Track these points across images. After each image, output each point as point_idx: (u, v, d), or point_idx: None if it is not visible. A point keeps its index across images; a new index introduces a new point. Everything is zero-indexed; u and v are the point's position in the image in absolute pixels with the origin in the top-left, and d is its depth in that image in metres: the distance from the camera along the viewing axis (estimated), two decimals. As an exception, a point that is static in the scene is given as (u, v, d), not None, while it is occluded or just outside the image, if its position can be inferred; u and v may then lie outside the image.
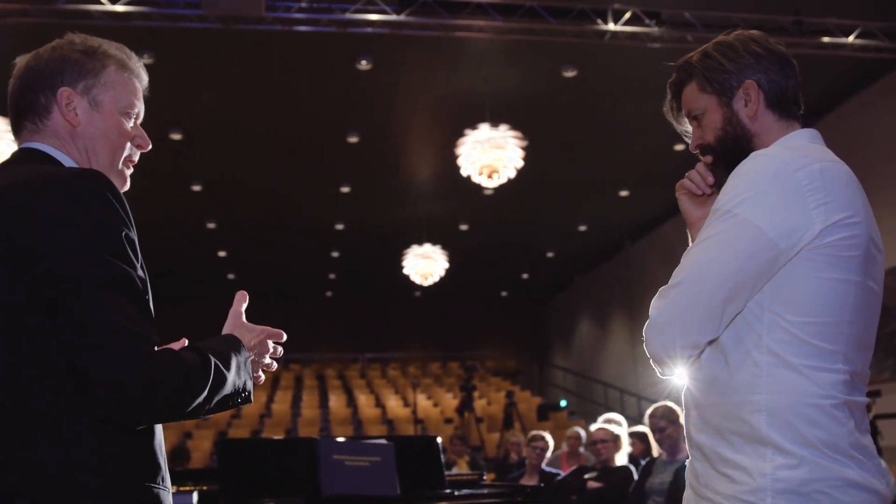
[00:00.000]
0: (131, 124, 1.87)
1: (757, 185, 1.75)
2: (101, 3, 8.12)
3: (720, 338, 1.80)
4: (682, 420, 5.64)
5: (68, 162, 1.76)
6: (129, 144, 1.87)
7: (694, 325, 1.76)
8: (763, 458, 1.70)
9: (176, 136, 11.70)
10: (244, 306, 1.91)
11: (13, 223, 1.54)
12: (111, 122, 1.82)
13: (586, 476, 6.56)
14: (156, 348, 1.53)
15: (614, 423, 7.15)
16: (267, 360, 1.88)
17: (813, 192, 1.73)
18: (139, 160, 1.95)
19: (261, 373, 1.87)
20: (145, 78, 1.93)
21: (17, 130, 1.83)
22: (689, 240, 2.06)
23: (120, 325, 1.50)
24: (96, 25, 7.95)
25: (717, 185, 2.01)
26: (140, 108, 1.90)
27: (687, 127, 2.10)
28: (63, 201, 1.55)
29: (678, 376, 1.93)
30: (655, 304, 1.83)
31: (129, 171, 1.90)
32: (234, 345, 1.74)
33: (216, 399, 1.62)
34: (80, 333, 1.49)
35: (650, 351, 1.82)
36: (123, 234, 1.59)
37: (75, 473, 1.51)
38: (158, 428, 1.68)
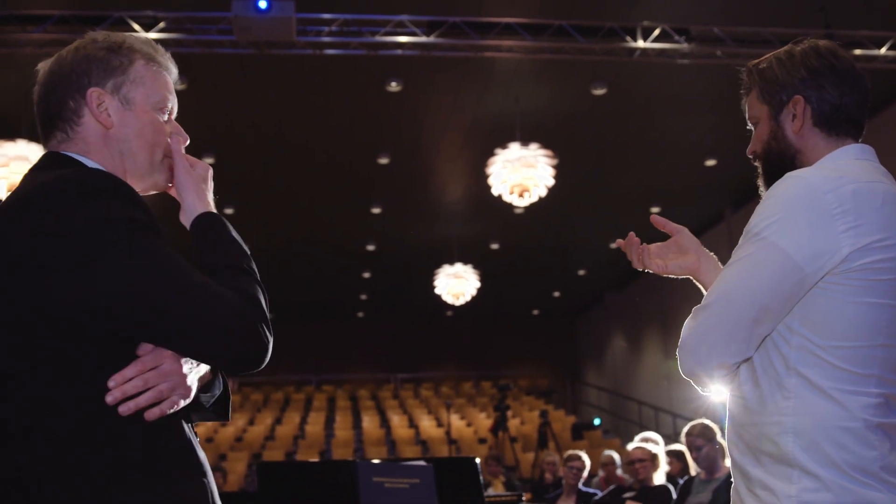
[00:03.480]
0: (166, 119, 1.79)
1: (786, 208, 1.75)
2: (136, 31, 8.25)
3: (752, 359, 1.80)
4: (720, 437, 5.61)
5: (92, 165, 1.67)
6: (167, 140, 1.78)
7: (722, 345, 1.78)
8: (790, 480, 1.70)
9: (209, 160, 11.77)
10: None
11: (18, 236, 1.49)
12: (145, 119, 1.73)
13: (624, 496, 6.51)
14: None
15: (651, 442, 7.08)
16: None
17: (843, 214, 1.71)
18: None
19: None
20: (175, 70, 1.82)
21: (47, 140, 1.73)
22: (702, 286, 2.09)
23: (197, 290, 1.50)
24: (131, 53, 8.08)
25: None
26: (173, 102, 1.81)
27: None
28: (74, 206, 1.49)
29: (715, 393, 1.94)
30: (687, 325, 1.85)
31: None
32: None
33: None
34: (171, 323, 1.49)
35: (683, 371, 1.86)
36: (146, 217, 1.56)
37: (128, 473, 1.47)
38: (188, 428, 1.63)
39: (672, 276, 2.18)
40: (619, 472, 8.04)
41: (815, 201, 1.73)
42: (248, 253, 1.70)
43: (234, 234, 1.75)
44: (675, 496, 6.09)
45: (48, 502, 1.43)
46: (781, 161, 1.96)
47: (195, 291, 1.50)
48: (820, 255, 1.71)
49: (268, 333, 1.57)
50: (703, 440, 5.69)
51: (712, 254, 2.14)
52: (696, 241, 2.17)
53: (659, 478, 6.59)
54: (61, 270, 1.46)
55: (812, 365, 1.72)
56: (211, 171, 1.87)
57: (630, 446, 6.82)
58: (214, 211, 1.80)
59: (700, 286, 2.11)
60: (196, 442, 1.63)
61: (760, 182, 2.05)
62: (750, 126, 2.10)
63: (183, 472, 1.55)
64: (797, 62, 1.96)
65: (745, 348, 1.78)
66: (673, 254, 2.18)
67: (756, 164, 2.06)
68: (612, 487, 7.02)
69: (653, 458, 6.55)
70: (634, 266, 2.22)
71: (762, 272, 1.75)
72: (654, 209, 14.77)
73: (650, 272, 2.23)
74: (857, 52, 9.13)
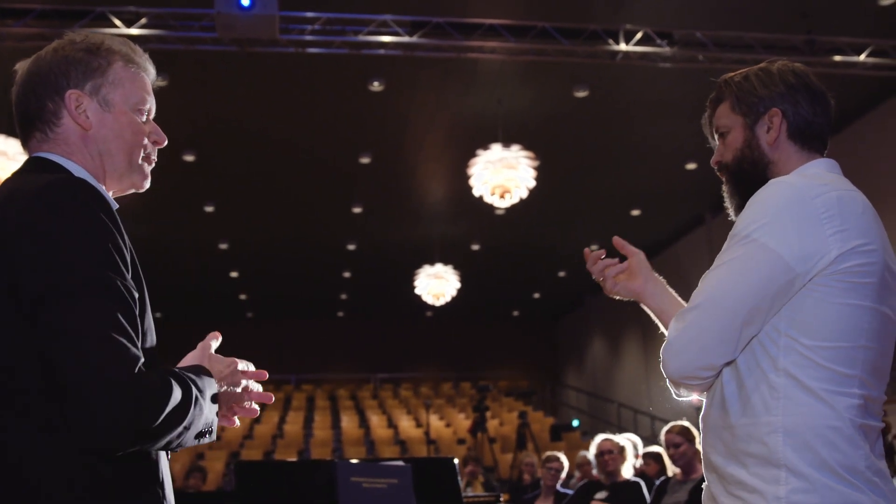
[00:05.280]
0: (144, 120, 1.79)
1: (775, 211, 1.78)
2: (117, 27, 8.20)
3: (736, 361, 1.82)
4: (698, 440, 5.64)
5: (77, 170, 1.67)
6: (145, 141, 1.78)
7: (711, 347, 1.79)
8: (777, 482, 1.72)
9: (189, 158, 11.77)
10: (215, 344, 1.81)
11: None
12: (124, 121, 1.74)
13: (596, 497, 6.44)
14: (142, 364, 1.45)
15: (629, 443, 7.09)
16: (249, 404, 1.76)
17: (829, 219, 1.76)
18: (152, 182, 1.89)
19: (235, 417, 1.77)
20: (153, 71, 1.84)
21: (26, 140, 1.73)
22: (654, 314, 2.10)
23: (102, 333, 1.40)
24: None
25: (736, 205, 2.04)
26: (151, 102, 1.81)
27: (716, 145, 2.13)
28: (37, 212, 1.48)
29: (694, 397, 1.95)
30: (673, 326, 1.85)
31: (149, 168, 1.82)
32: (208, 376, 1.63)
33: (190, 433, 1.52)
34: (54, 344, 1.40)
35: (667, 372, 1.85)
36: (108, 242, 1.49)
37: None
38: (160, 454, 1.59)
39: (618, 298, 2.18)
40: (594, 472, 8.04)
41: (804, 205, 1.77)
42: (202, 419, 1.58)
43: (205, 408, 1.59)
44: (646, 492, 6.09)
45: None
46: (754, 170, 2.00)
47: (103, 322, 1.42)
48: (810, 256, 1.75)
49: (145, 428, 1.43)
50: (682, 438, 5.74)
51: (661, 278, 2.15)
52: (648, 265, 2.17)
53: (627, 470, 6.51)
54: (23, 269, 1.45)
55: (800, 365, 1.75)
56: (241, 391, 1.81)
57: (598, 438, 6.72)
58: (213, 417, 1.65)
59: (647, 310, 2.12)
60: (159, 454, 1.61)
61: (727, 192, 2.07)
62: (712, 140, 2.12)
63: (136, 482, 1.53)
64: (775, 77, 2.01)
65: (732, 350, 1.79)
66: (624, 274, 2.16)
67: (721, 174, 2.08)
68: (582, 482, 6.94)
69: (621, 451, 6.47)
70: (595, 276, 2.19)
71: (753, 273, 1.77)
72: (635, 212, 14.85)
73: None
74: (837, 58, 9.20)
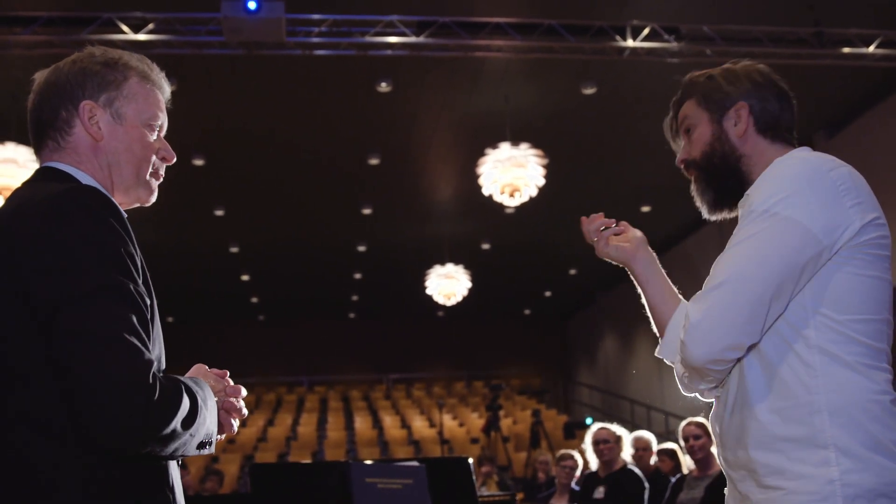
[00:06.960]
0: (155, 137, 1.82)
1: (795, 184, 1.75)
2: (125, 33, 8.23)
3: (759, 345, 1.77)
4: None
5: (86, 179, 1.70)
6: (153, 157, 1.81)
7: (739, 325, 1.72)
8: (827, 464, 1.65)
9: (199, 162, 11.79)
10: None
11: (3, 247, 1.49)
12: (134, 135, 1.77)
13: (594, 496, 6.34)
14: (155, 368, 1.46)
15: (643, 441, 7.05)
16: (234, 422, 1.78)
17: (847, 191, 1.75)
18: (163, 187, 1.91)
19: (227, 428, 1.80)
20: (167, 89, 1.88)
21: (39, 148, 1.77)
22: (638, 284, 2.09)
23: (114, 334, 1.41)
24: (120, 54, 8.06)
25: (709, 200, 2.04)
26: (163, 119, 1.85)
27: (680, 145, 2.13)
28: (49, 220, 1.49)
29: (701, 395, 1.91)
30: (695, 308, 1.77)
31: (156, 184, 1.84)
32: (208, 389, 1.65)
33: (194, 441, 1.54)
34: (67, 346, 1.41)
35: (691, 357, 1.76)
36: (120, 248, 1.51)
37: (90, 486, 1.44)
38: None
39: (608, 260, 2.18)
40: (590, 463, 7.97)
41: (821, 178, 1.75)
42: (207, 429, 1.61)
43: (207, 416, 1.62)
44: (643, 480, 6.03)
45: None
46: (725, 164, 1.99)
47: (116, 324, 1.43)
48: (835, 228, 1.72)
49: (156, 431, 1.44)
50: (701, 430, 5.72)
51: (654, 254, 2.15)
52: (644, 240, 2.17)
53: (624, 460, 6.36)
54: (36, 277, 1.46)
55: (836, 341, 1.71)
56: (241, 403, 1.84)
57: (594, 427, 6.55)
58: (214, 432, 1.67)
59: (633, 277, 2.12)
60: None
61: (697, 190, 2.05)
62: (673, 143, 2.15)
63: (145, 484, 1.54)
64: (741, 75, 2.02)
65: (759, 328, 1.73)
66: (618, 238, 2.17)
67: (689, 172, 2.07)
68: (587, 473, 6.80)
69: (617, 440, 6.31)
70: (590, 236, 2.20)
71: (780, 246, 1.72)
72: (645, 208, 14.80)
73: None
74: (846, 50, 9.16)
